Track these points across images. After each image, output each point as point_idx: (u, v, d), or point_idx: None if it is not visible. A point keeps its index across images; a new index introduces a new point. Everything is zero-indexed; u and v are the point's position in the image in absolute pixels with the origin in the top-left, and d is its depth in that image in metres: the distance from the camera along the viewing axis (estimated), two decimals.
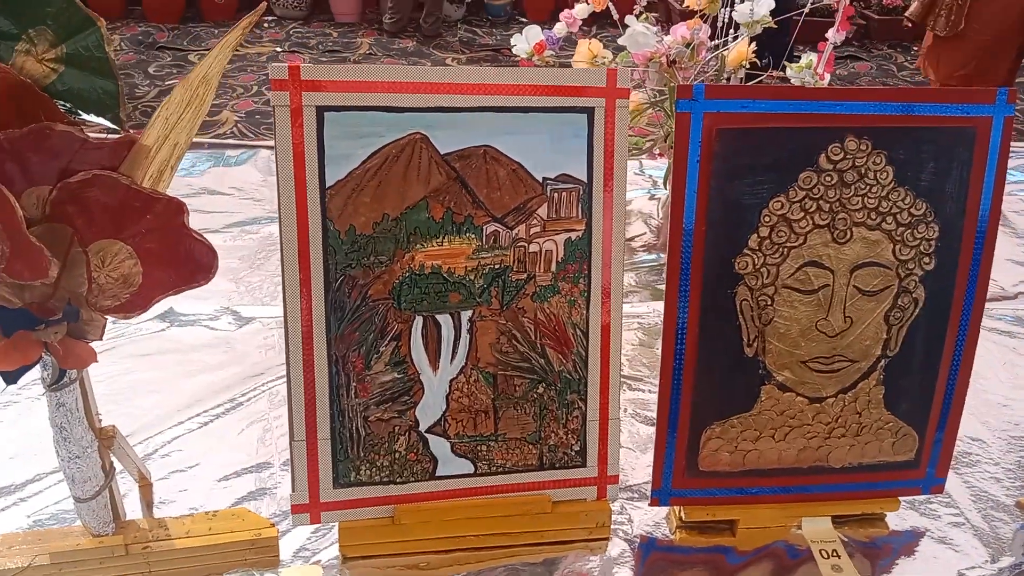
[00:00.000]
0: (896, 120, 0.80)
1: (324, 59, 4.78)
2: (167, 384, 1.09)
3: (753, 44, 1.57)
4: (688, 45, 1.53)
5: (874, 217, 0.82)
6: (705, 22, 1.55)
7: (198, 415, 1.04)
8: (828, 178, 0.80)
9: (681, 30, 1.53)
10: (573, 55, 1.54)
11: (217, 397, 1.07)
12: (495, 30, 5.38)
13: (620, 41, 1.53)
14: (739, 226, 0.81)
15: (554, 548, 0.88)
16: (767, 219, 0.81)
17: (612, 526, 0.91)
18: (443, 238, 0.80)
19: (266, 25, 5.33)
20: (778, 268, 0.82)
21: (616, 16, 1.61)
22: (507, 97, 0.79)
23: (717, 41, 1.61)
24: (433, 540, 0.85)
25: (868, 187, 0.81)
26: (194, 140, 0.73)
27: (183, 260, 0.71)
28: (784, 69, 1.73)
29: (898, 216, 0.82)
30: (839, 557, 0.88)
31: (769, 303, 0.83)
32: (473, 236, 0.81)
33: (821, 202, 0.81)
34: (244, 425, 1.03)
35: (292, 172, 0.76)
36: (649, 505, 0.91)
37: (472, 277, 0.81)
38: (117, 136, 0.69)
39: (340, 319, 0.80)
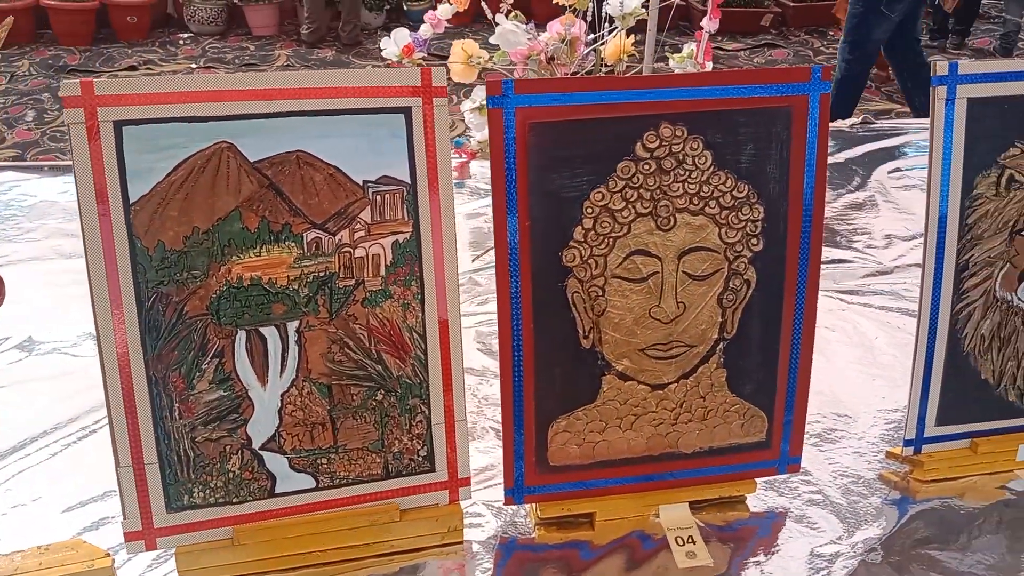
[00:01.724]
0: (710, 104, 0.80)
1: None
2: (16, 415, 1.05)
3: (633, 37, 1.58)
4: (564, 41, 1.53)
5: (696, 202, 0.82)
6: (581, 17, 1.55)
7: (47, 446, 1.01)
8: (646, 166, 0.80)
9: (555, 26, 1.53)
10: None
11: (69, 426, 1.04)
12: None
13: (492, 40, 1.52)
14: (563, 219, 0.81)
15: (406, 556, 0.86)
16: (589, 211, 0.80)
17: (475, 529, 0.89)
18: (260, 248, 0.78)
19: (182, 43, 5.25)
20: (605, 259, 0.82)
21: (490, 15, 1.60)
22: (317, 100, 0.77)
23: (595, 35, 1.61)
24: (276, 559, 0.83)
25: (688, 173, 0.81)
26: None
27: None
28: (667, 60, 1.75)
29: (721, 200, 0.82)
30: (694, 543, 0.88)
31: (600, 294, 0.83)
32: (293, 244, 0.79)
33: (642, 191, 0.81)
34: (93, 453, 0.99)
35: (92, 190, 0.74)
36: (504, 504, 0.90)
37: (296, 286, 0.80)
38: None
39: (156, 339, 0.77)
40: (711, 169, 0.81)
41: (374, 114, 0.79)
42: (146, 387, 0.78)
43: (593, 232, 0.81)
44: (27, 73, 4.79)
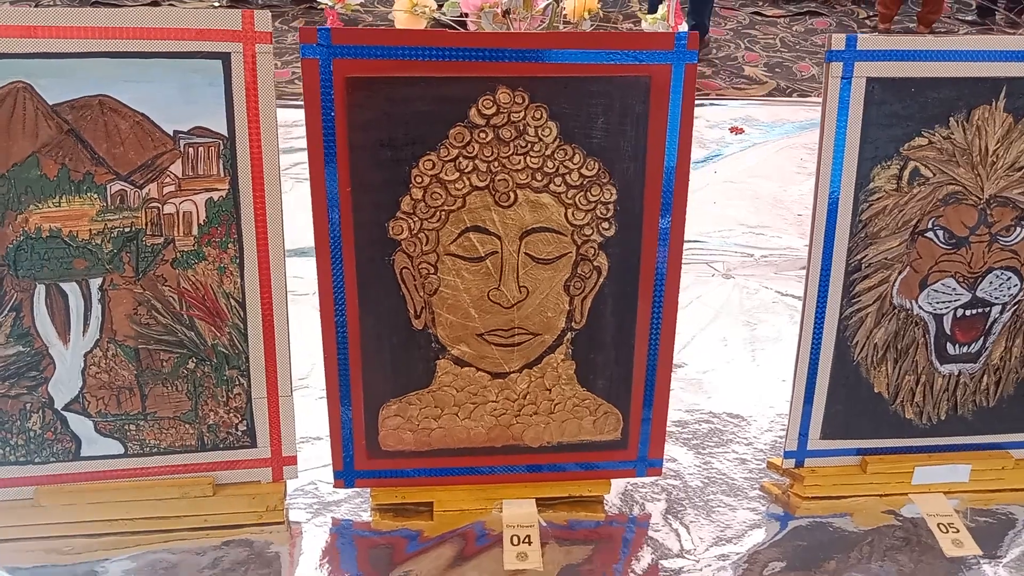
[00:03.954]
0: (556, 69, 0.72)
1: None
2: None
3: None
4: None
5: (540, 178, 0.74)
6: None
7: None
8: (482, 135, 0.72)
9: None
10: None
11: None
12: None
13: None
14: (389, 187, 0.74)
15: (221, 532, 0.82)
16: (419, 179, 0.73)
17: (320, 508, 0.85)
18: (60, 198, 0.73)
19: None
20: (438, 233, 0.75)
21: None
22: (125, 41, 0.71)
23: None
24: (79, 523, 0.80)
25: (530, 145, 0.73)
26: None
27: None
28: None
29: (567, 177, 0.74)
30: (529, 544, 0.82)
31: (432, 271, 0.76)
32: (96, 196, 0.73)
33: (478, 161, 0.73)
34: None
35: None
36: (334, 487, 0.85)
37: (99, 241, 0.74)
38: None
39: None
40: (556, 143, 0.73)
41: (188, 58, 0.72)
42: None
43: (423, 204, 0.74)
44: (51, 3, 4.79)
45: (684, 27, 1.68)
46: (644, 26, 1.67)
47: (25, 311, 0.75)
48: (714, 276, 1.30)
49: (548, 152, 0.73)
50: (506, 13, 1.49)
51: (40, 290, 0.75)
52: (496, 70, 0.71)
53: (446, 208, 0.74)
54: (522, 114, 0.72)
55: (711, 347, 1.14)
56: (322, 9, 1.49)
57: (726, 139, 1.77)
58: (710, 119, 1.86)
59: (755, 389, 1.06)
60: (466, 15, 1.48)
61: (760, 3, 4.85)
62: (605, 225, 0.76)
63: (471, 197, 0.74)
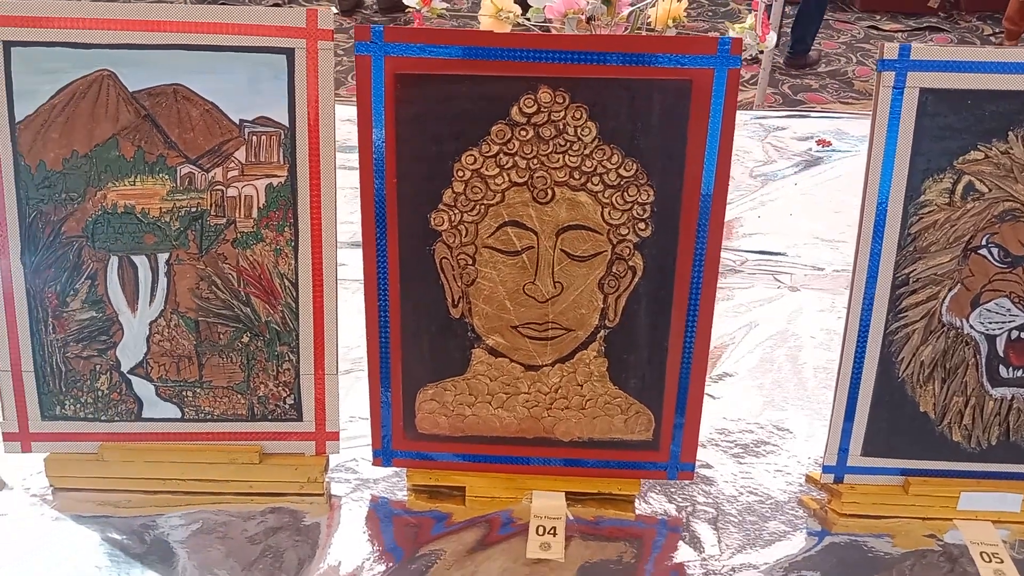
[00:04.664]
0: (598, 71, 0.73)
1: None
2: None
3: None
4: (606, 1, 1.45)
5: (578, 176, 0.76)
6: None
7: None
8: (523, 132, 0.75)
9: None
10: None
11: None
12: None
13: None
14: (432, 180, 0.77)
15: (264, 499, 0.87)
16: (460, 173, 0.76)
17: (359, 484, 0.89)
18: (135, 177, 0.79)
19: None
20: (476, 226, 0.78)
21: None
22: (199, 35, 0.77)
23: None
24: (137, 480, 0.86)
25: (569, 144, 0.75)
26: None
27: None
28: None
29: (605, 177, 0.76)
30: (554, 535, 0.83)
31: (470, 263, 0.79)
32: (167, 177, 0.80)
33: (518, 158, 0.75)
34: None
35: None
36: (372, 465, 0.89)
37: (168, 219, 0.81)
38: None
39: (34, 254, 0.80)
40: (595, 142, 0.75)
41: (255, 52, 0.77)
42: (25, 300, 0.81)
43: (464, 197, 0.77)
44: None
45: (772, 37, 1.66)
46: (731, 34, 1.66)
47: (100, 280, 0.82)
48: (780, 288, 1.28)
49: (587, 151, 0.75)
50: (590, 19, 1.51)
51: (113, 261, 0.81)
52: (538, 70, 0.73)
53: (485, 202, 0.77)
54: (562, 113, 0.74)
55: (766, 358, 1.13)
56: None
57: (812, 151, 1.73)
58: (798, 131, 1.82)
59: (807, 403, 1.04)
60: (550, 21, 1.51)
61: (878, 17, 4.69)
62: (641, 226, 0.77)
63: (510, 192, 0.76)
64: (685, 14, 1.62)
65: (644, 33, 1.56)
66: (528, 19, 1.52)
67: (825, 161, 1.71)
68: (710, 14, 4.84)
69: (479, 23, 1.54)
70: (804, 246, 1.41)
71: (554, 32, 1.48)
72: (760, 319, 1.21)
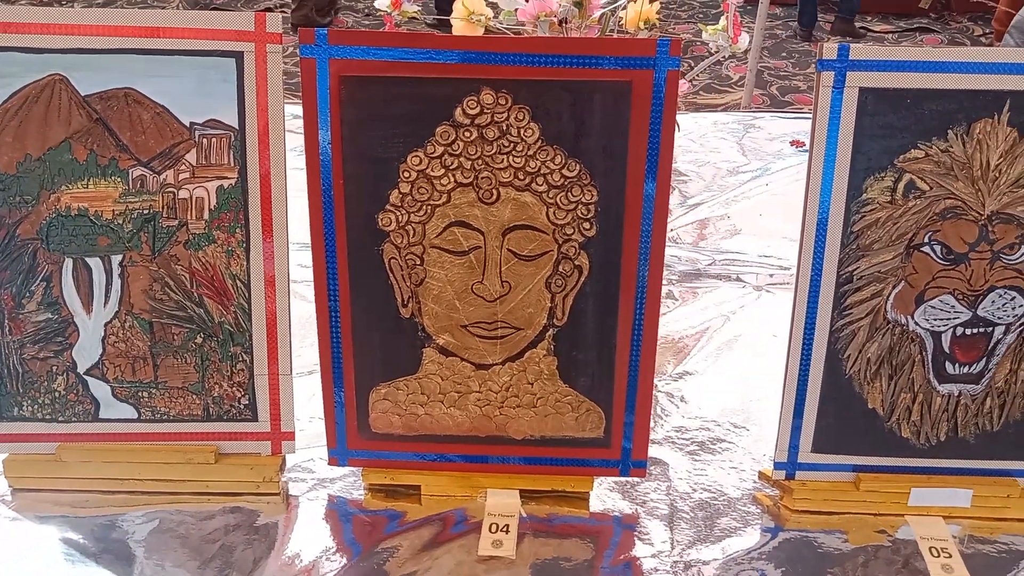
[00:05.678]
0: (539, 73, 0.74)
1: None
2: None
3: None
4: (577, 3, 1.46)
5: (522, 177, 0.77)
6: None
7: None
8: (467, 133, 0.76)
9: None
10: None
11: None
12: None
13: None
14: (378, 181, 0.78)
15: (221, 499, 0.88)
16: (406, 174, 0.77)
17: (316, 484, 0.90)
18: (88, 180, 0.80)
19: None
20: (424, 226, 0.79)
21: None
22: (149, 39, 0.78)
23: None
24: (95, 480, 0.87)
25: (512, 145, 0.76)
26: None
27: None
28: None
29: (549, 177, 0.77)
30: (507, 533, 0.84)
31: (418, 263, 0.80)
32: (119, 179, 0.81)
33: (463, 159, 0.76)
34: None
35: None
36: (328, 464, 0.90)
37: (120, 221, 0.81)
38: None
39: None
40: (539, 143, 0.76)
41: (205, 56, 0.78)
42: None
43: (410, 197, 0.78)
44: None
45: (744, 38, 1.67)
46: (704, 36, 1.67)
47: (55, 282, 0.83)
48: (744, 287, 1.29)
49: (530, 152, 0.76)
50: (562, 22, 1.52)
51: (68, 263, 0.82)
52: (480, 72, 0.74)
53: (432, 203, 0.78)
54: (505, 115, 0.75)
55: (729, 357, 1.13)
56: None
57: (784, 152, 1.74)
58: (772, 132, 1.83)
59: (766, 401, 1.04)
60: (522, 23, 1.52)
61: (869, 18, 4.71)
62: (586, 225, 0.78)
63: (456, 193, 0.77)
64: (659, 16, 1.64)
65: (616, 35, 1.57)
66: (500, 22, 1.53)
67: (797, 161, 1.72)
68: (701, 16, 4.86)
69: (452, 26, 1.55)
70: (772, 246, 1.41)
71: (526, 35, 1.49)
72: (725, 318, 1.21)
